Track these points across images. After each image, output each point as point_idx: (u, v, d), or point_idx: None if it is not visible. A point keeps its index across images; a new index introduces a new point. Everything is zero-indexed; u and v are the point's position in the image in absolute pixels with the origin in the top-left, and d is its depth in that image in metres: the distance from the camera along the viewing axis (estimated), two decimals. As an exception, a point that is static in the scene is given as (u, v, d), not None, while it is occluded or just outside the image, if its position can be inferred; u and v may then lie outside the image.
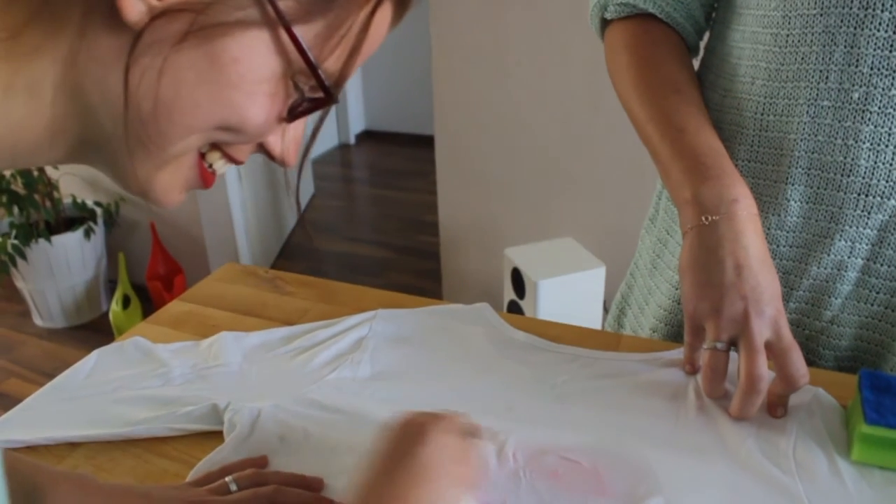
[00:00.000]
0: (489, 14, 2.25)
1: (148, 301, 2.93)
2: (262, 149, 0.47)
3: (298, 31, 0.39)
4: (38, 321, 2.96)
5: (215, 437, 0.67)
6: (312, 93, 0.43)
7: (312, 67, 0.41)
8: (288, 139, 0.47)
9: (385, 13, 0.44)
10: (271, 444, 0.66)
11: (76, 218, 2.86)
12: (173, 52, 0.37)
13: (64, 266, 2.81)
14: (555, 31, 2.21)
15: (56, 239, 2.72)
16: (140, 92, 0.38)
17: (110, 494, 0.56)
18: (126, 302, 2.81)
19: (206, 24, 0.37)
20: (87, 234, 2.79)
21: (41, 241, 2.69)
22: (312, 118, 0.47)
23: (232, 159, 0.46)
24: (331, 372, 0.76)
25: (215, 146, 0.44)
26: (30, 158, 0.41)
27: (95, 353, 0.81)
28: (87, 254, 2.88)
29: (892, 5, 0.64)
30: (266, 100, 0.41)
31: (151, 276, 2.89)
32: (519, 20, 2.22)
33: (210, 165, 0.45)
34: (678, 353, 0.76)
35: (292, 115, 0.44)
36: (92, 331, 2.93)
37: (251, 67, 0.39)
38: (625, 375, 0.75)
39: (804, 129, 0.71)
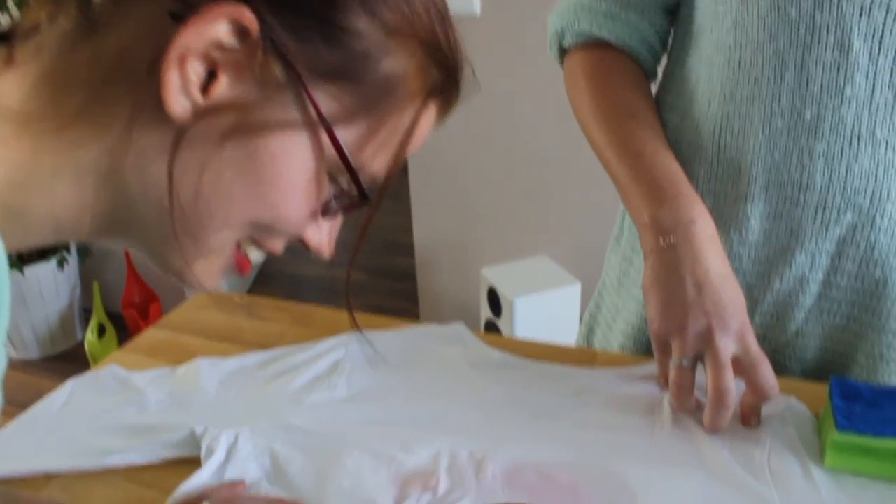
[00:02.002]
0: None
1: (124, 329, 2.89)
2: (300, 240, 0.47)
3: (340, 133, 0.40)
4: (11, 352, 2.92)
5: (193, 463, 0.67)
6: (351, 189, 0.44)
7: (351, 169, 0.41)
8: (325, 231, 0.48)
9: (430, 115, 0.44)
10: (249, 468, 0.66)
11: (49, 248, 2.83)
12: (215, 148, 0.38)
13: (37, 296, 2.77)
14: (524, 52, 2.24)
15: (29, 269, 2.69)
16: (181, 185, 0.39)
17: None
18: (101, 331, 2.78)
19: (248, 122, 0.38)
20: (61, 263, 2.77)
21: (13, 271, 2.65)
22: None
23: (267, 251, 0.47)
24: (308, 395, 0.77)
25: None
26: (71, 234, 0.42)
27: (70, 383, 0.81)
28: (61, 283, 2.85)
29: (836, 29, 0.67)
30: (301, 199, 0.42)
31: (127, 305, 2.86)
32: (488, 42, 2.25)
33: (245, 253, 0.46)
34: (652, 366, 0.77)
35: (328, 210, 0.45)
36: (67, 361, 2.89)
37: (289, 167, 0.40)
38: (600, 391, 0.76)
39: (760, 148, 0.74)
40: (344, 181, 0.43)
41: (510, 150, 2.44)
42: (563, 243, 2.49)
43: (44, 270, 2.74)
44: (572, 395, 0.75)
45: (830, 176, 0.71)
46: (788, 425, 0.69)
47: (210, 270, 0.45)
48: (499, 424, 0.72)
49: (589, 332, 1.02)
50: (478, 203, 2.58)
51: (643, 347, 0.89)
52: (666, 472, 0.64)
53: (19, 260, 2.69)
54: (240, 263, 0.46)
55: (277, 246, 0.47)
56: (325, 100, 0.39)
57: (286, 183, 0.41)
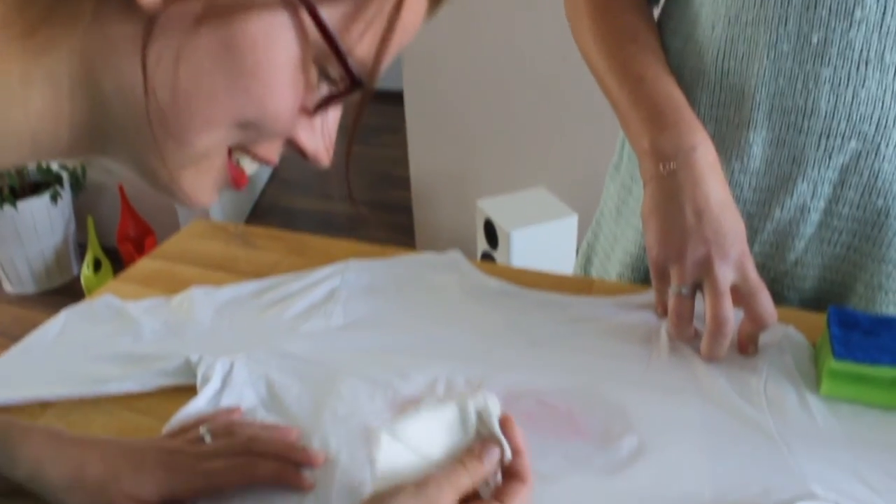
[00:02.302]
0: (456, -36, 2.22)
1: (119, 263, 2.90)
2: (294, 146, 0.44)
3: (323, 11, 0.37)
4: (7, 287, 2.92)
5: (189, 391, 0.68)
6: (341, 79, 0.40)
7: (337, 51, 0.38)
8: (320, 136, 0.44)
9: None
10: (245, 395, 0.67)
11: (41, 183, 2.81)
12: (189, 37, 0.35)
13: (32, 231, 2.76)
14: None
15: (22, 204, 2.67)
16: (157, 81, 0.36)
17: (83, 443, 0.57)
18: (97, 265, 2.78)
19: (222, 5, 0.35)
20: (54, 198, 2.75)
21: (7, 206, 2.64)
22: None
23: (261, 159, 0.43)
24: (303, 323, 0.77)
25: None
26: (50, 151, 0.39)
27: (64, 313, 0.81)
28: (55, 218, 2.83)
29: None
30: (287, 90, 0.38)
31: (122, 239, 2.86)
32: (486, -30, 2.20)
33: (237, 162, 0.43)
34: (649, 295, 0.77)
35: (319, 106, 0.41)
36: (63, 295, 2.90)
37: (271, 53, 0.37)
38: (598, 319, 0.76)
39: (765, 73, 0.72)
40: (333, 71, 0.40)
41: (507, 80, 2.40)
42: (560, 175, 2.47)
43: (37, 205, 2.73)
44: (570, 323, 0.75)
45: (836, 102, 0.69)
46: (785, 354, 0.69)
47: (201, 183, 0.42)
48: (496, 351, 0.72)
49: (586, 261, 1.02)
50: (474, 135, 2.55)
51: (641, 276, 0.88)
52: (662, 398, 0.64)
53: (12, 194, 2.68)
54: (234, 175, 0.43)
55: (271, 153, 0.44)
56: None
57: (269, 72, 0.37)
